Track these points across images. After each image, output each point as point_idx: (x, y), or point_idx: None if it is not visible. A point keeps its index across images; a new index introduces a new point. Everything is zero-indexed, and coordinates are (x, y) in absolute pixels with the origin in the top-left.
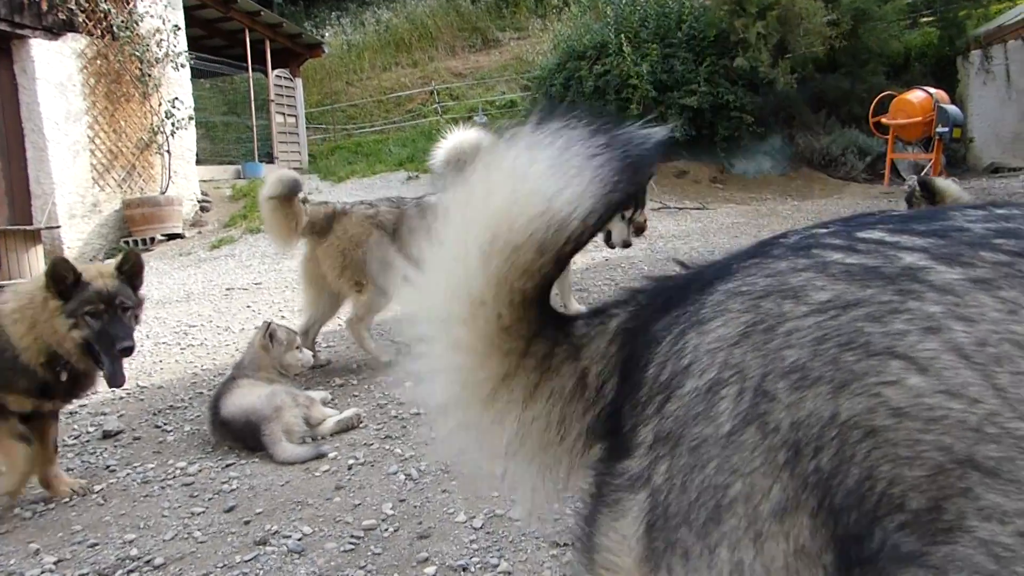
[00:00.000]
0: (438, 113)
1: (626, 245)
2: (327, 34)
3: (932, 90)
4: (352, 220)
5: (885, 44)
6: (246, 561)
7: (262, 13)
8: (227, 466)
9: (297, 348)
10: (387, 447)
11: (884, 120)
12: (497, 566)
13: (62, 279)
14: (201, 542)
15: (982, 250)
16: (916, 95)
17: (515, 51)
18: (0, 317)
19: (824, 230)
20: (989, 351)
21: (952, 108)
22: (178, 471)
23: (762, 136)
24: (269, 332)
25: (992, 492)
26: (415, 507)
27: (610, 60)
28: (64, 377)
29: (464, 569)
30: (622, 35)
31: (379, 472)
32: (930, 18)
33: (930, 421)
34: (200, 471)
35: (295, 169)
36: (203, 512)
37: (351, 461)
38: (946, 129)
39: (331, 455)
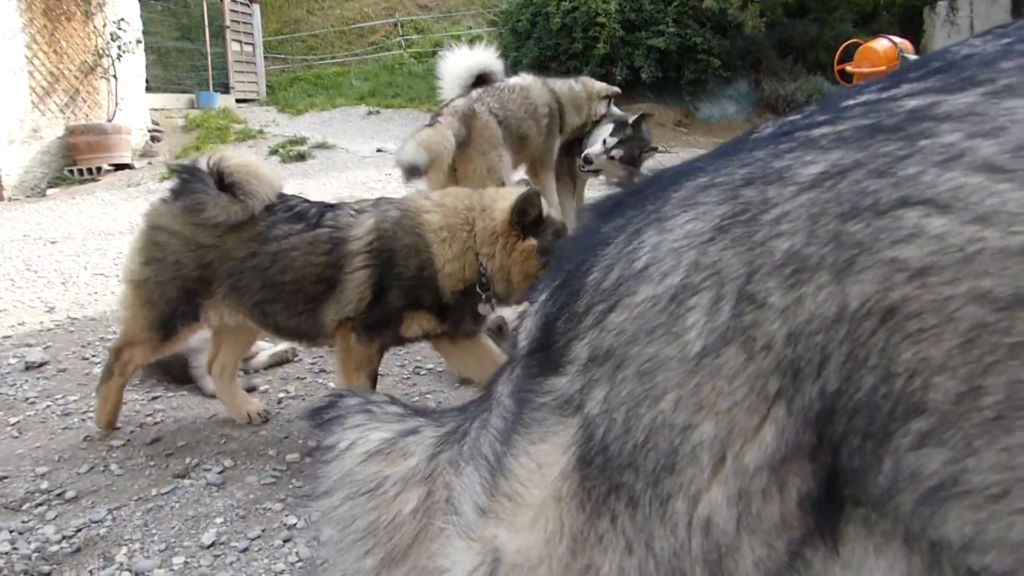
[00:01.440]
0: (402, 47)
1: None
2: None
3: (897, 40)
4: (482, 121)
5: None
6: (163, 494)
7: None
8: (154, 399)
9: None
10: (320, 380)
11: (849, 68)
12: None
13: (526, 214)
14: (118, 475)
15: (1000, 62)
16: (881, 44)
17: None
18: (424, 229)
19: (800, 114)
20: None
21: (916, 59)
22: None
23: (728, 80)
24: None
25: None
26: None
27: None
28: (488, 311)
29: None
30: None
31: (309, 405)
32: None
33: (962, 264)
34: (125, 403)
35: (252, 100)
36: (123, 445)
37: (281, 394)
38: None
39: (262, 388)
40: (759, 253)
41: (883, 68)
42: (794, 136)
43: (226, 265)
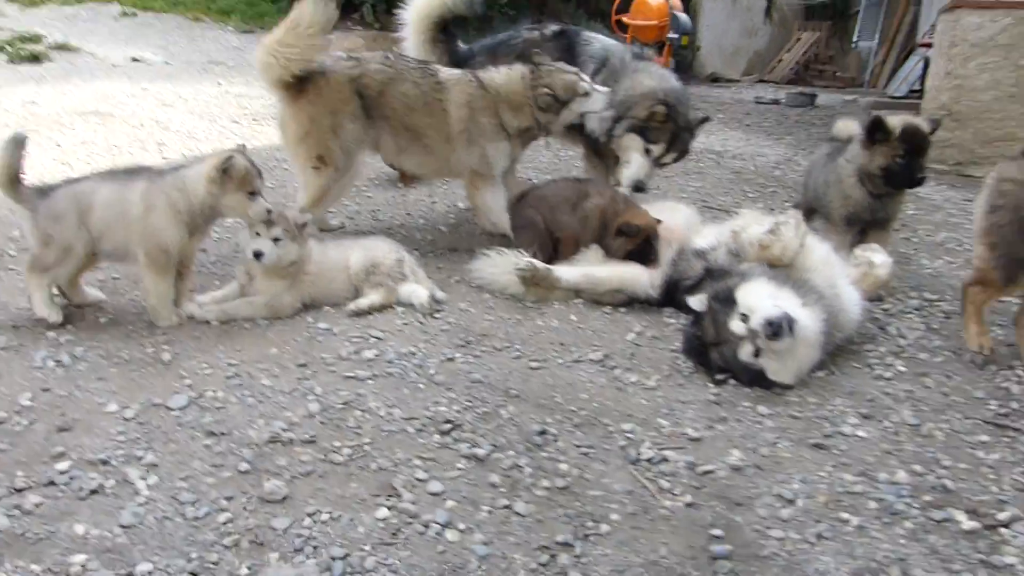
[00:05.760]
0: None
1: (639, 189)
2: None
3: None
4: (330, 82)
5: None
6: None
7: None
8: None
9: (252, 193)
10: (40, 329)
11: (625, 19)
12: (142, 458)
13: None
14: None
15: None
16: None
17: None
18: None
19: None
20: None
21: (684, 16)
22: None
23: (513, 18)
24: (227, 164)
25: None
26: (60, 396)
27: None
28: None
29: (104, 463)
30: None
31: (24, 358)
32: None
33: None
34: None
35: None
36: None
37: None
38: (675, 36)
39: None
40: None
41: (655, 22)
42: None
43: None
